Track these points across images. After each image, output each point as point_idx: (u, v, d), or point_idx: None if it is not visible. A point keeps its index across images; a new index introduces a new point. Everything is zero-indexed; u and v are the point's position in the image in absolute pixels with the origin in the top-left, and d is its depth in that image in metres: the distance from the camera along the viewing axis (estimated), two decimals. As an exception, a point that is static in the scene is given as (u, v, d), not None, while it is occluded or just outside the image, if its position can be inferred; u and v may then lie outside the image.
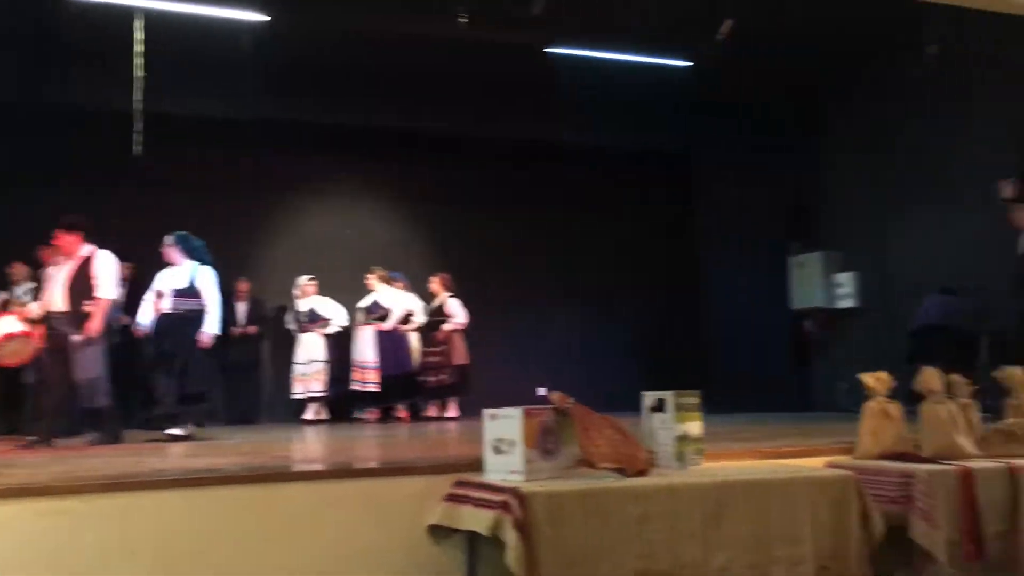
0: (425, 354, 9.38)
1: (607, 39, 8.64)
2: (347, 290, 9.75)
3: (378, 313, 9.31)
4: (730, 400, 10.03)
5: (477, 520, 3.30)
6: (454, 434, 6.35)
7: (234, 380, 9.75)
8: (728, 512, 3.41)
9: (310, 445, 6.00)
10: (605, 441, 3.47)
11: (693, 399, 3.81)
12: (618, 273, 11.23)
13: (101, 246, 6.27)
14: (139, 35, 6.70)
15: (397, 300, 9.44)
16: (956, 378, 4.47)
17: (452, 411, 9.37)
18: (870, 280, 9.78)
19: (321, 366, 9.39)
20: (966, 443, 4.23)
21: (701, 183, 11.12)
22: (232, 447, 5.47)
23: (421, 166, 10.64)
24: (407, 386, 9.29)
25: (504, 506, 3.16)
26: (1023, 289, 7.01)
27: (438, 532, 3.52)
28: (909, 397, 4.41)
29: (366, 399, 9.24)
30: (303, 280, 9.59)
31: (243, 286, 9.85)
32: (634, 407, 3.96)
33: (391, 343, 9.25)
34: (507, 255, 10.86)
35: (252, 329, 9.82)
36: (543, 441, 3.45)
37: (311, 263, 9.86)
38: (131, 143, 6.78)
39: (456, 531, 3.50)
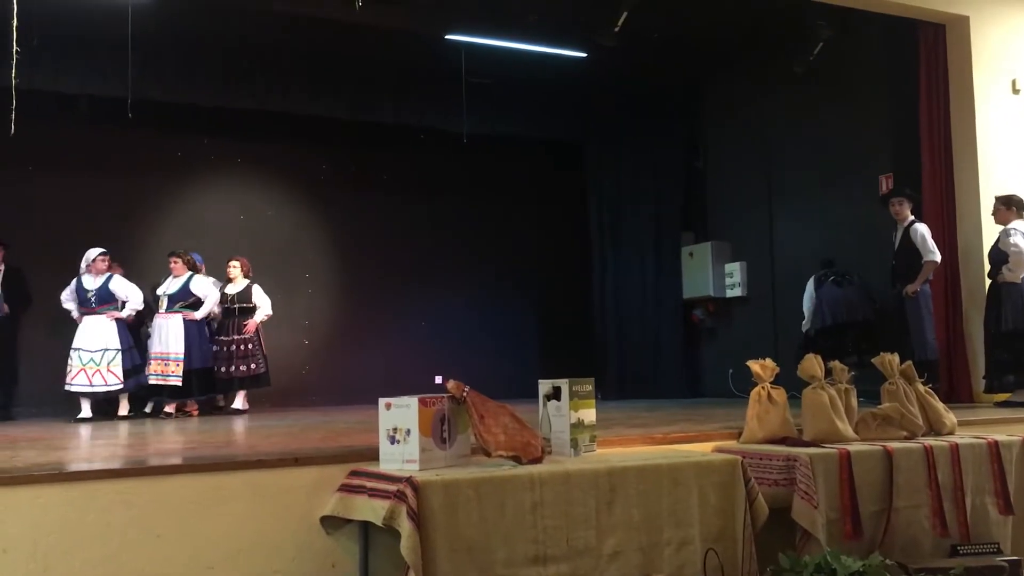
0: (231, 342, 8.76)
1: (505, 28, 8.63)
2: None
3: (189, 300, 8.60)
4: (623, 387, 10.28)
5: (371, 510, 3.27)
6: (349, 424, 6.26)
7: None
8: (620, 497, 3.47)
9: (191, 436, 5.82)
10: (501, 429, 3.48)
11: (587, 386, 3.86)
12: (514, 261, 11.29)
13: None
14: (15, 8, 6.32)
15: (210, 288, 8.78)
16: (836, 365, 4.66)
17: (243, 403, 8.81)
18: (757, 270, 10.08)
19: (114, 355, 8.18)
20: (845, 427, 4.42)
21: (596, 172, 11.25)
22: (112, 439, 5.27)
23: (316, 151, 10.46)
24: (207, 378, 8.62)
25: (399, 495, 3.14)
26: (899, 279, 7.32)
27: (331, 523, 3.48)
28: (802, 383, 4.57)
29: (166, 392, 8.38)
30: (93, 254, 8.35)
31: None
32: (530, 395, 3.98)
33: (198, 334, 8.61)
34: (401, 243, 10.78)
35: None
36: (439, 430, 3.45)
37: (187, 246, 9.22)
38: (4, 121, 6.37)
39: (350, 521, 3.47)
